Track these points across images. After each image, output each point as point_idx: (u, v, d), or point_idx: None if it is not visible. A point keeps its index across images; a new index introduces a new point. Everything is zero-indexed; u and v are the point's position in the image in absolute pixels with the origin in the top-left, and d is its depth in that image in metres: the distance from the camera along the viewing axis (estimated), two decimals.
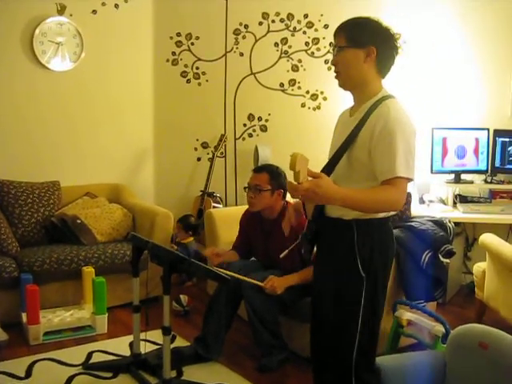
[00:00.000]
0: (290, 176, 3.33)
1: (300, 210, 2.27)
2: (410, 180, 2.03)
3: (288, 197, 3.48)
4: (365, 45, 2.08)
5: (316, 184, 1.89)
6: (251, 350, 3.37)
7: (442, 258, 3.33)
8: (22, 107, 4.52)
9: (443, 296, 3.48)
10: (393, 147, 1.99)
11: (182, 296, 4.07)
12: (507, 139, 4.53)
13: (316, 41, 4.95)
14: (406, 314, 3.13)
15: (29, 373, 3.12)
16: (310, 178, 1.93)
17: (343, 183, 1.98)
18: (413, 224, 3.44)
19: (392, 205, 2.05)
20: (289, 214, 2.36)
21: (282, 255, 2.42)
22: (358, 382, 2.18)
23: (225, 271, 3.07)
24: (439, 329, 2.93)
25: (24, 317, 3.58)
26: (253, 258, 3.57)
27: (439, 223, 3.49)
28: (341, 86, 2.17)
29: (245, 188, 3.40)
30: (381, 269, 2.15)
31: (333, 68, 2.18)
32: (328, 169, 2.13)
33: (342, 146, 2.11)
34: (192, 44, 5.04)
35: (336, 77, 2.16)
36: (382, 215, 2.12)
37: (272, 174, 3.33)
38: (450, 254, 3.39)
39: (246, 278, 3.14)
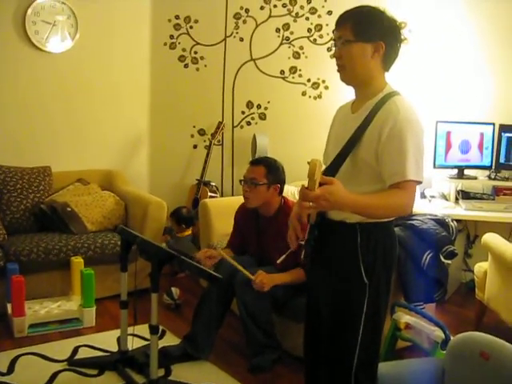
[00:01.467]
0: (288, 170, 3.27)
1: (303, 220, 2.12)
2: (419, 183, 1.91)
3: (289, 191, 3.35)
4: (373, 39, 1.94)
5: (328, 191, 1.76)
6: (243, 349, 3.26)
7: (443, 259, 3.22)
8: (12, 89, 4.36)
9: (443, 297, 3.37)
10: (403, 149, 1.86)
11: (173, 288, 3.95)
12: None
13: (319, 27, 4.79)
14: (405, 317, 3.01)
15: (11, 368, 3.01)
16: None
17: (347, 185, 1.83)
18: (414, 223, 3.31)
19: (402, 210, 1.94)
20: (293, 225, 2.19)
21: (279, 261, 2.29)
22: None
23: (222, 252, 3.10)
24: (439, 334, 2.81)
25: (9, 308, 3.47)
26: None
27: (441, 222, 3.36)
28: (343, 80, 2.02)
29: (240, 181, 3.26)
30: (384, 275, 2.04)
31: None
32: (331, 170, 1.99)
33: (346, 146, 1.97)
34: (191, 27, 4.88)
35: (339, 70, 2.01)
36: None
37: (269, 167, 3.19)
38: (451, 255, 3.26)
39: (240, 267, 3.03)
